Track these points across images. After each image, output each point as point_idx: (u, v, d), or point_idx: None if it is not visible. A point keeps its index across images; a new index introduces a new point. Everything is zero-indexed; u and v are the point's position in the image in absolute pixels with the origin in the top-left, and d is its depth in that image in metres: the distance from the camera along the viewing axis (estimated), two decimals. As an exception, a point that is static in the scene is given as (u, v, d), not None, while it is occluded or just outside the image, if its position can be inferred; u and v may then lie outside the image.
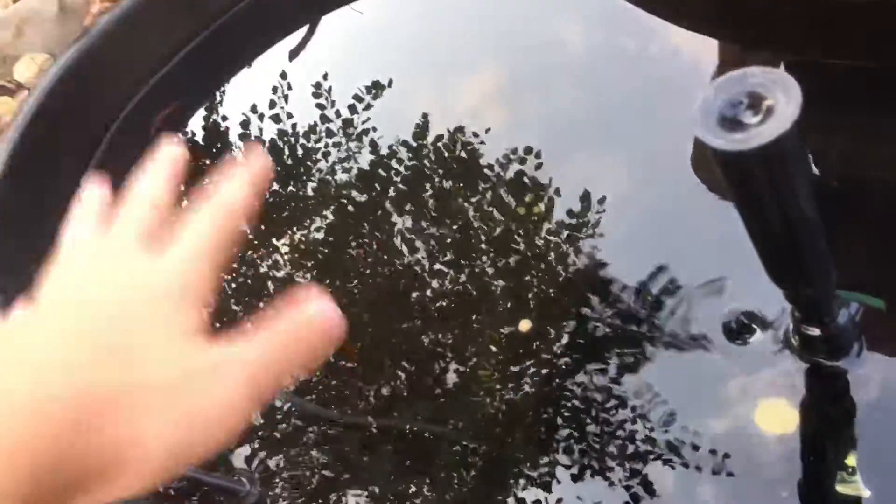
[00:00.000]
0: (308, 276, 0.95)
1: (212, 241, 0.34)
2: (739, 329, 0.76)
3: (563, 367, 0.81)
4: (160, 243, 0.34)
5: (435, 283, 0.90)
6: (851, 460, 0.68)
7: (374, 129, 1.03)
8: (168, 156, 0.39)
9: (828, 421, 0.73)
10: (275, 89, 1.12)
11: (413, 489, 0.81)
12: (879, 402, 0.71)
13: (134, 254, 0.33)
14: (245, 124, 1.10)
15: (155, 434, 0.27)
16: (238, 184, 0.35)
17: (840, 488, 0.68)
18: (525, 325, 0.84)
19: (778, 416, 0.72)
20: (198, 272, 0.33)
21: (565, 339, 0.82)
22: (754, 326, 0.76)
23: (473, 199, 0.94)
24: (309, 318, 0.33)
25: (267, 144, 1.06)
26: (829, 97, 0.83)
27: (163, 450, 0.27)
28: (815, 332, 0.68)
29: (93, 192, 0.38)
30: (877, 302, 0.71)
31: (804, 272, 0.57)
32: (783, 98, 0.40)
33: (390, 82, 1.06)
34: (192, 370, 0.29)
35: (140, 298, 0.31)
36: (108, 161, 1.04)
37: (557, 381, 0.80)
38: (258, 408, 0.31)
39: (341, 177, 1.01)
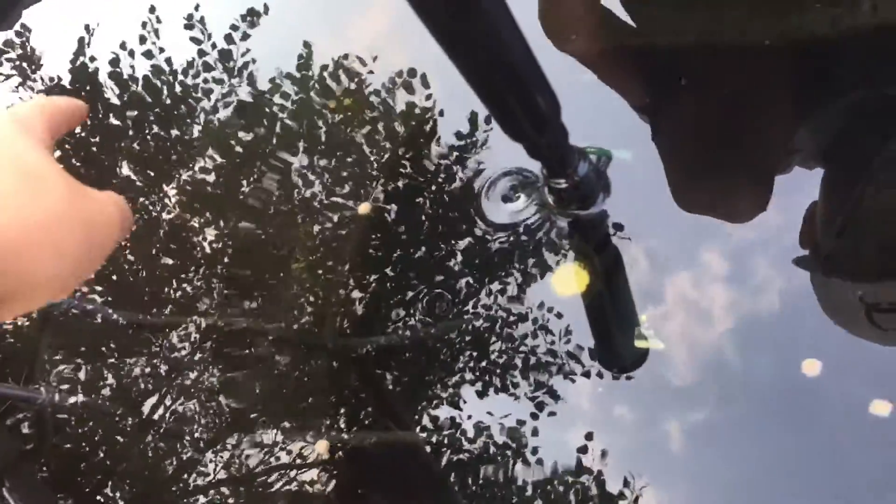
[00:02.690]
0: (198, 217, 0.92)
1: (33, 101, 0.37)
2: (509, 199, 0.81)
3: (464, 286, 0.83)
4: None
5: (329, 214, 0.89)
6: (644, 317, 0.74)
7: (254, 62, 0.99)
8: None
9: (603, 270, 0.78)
10: (144, 24, 1.06)
11: (318, 411, 0.83)
12: (639, 244, 0.77)
13: None
14: (115, 62, 1.04)
15: (46, 271, 0.31)
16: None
17: (638, 344, 0.74)
18: (364, 207, 0.86)
19: (569, 278, 0.78)
20: (28, 110, 0.35)
21: (460, 258, 0.83)
22: (518, 194, 0.81)
23: (362, 129, 0.93)
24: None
25: (140, 83, 1.01)
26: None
27: (51, 281, 0.32)
28: (562, 184, 0.73)
29: None
30: (616, 153, 0.77)
31: (530, 118, 0.59)
32: None
33: (266, 9, 1.02)
34: (73, 210, 0.33)
35: None
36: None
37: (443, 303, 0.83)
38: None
39: (224, 114, 0.97)
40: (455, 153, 0.88)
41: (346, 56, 0.96)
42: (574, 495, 0.74)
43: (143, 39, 1.05)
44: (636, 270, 0.77)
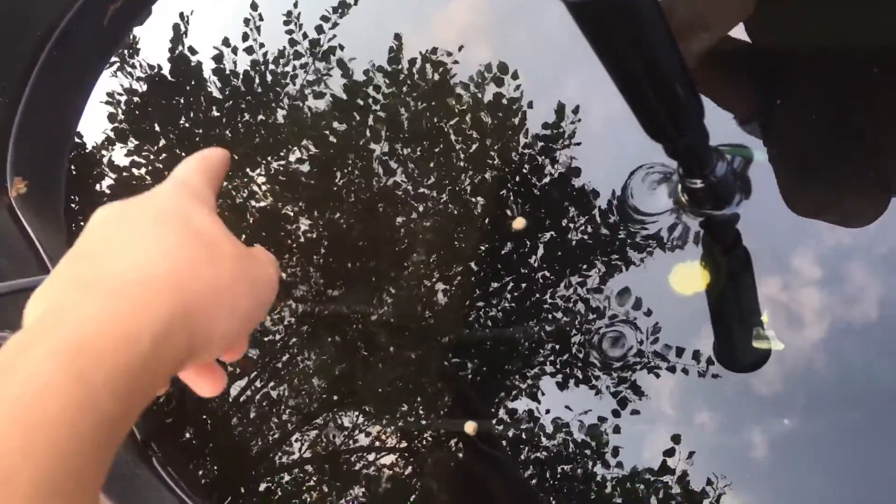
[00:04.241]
0: (289, 204, 0.95)
1: (191, 162, 0.42)
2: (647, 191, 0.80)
3: (542, 278, 0.83)
4: None
5: (418, 205, 0.90)
6: (765, 317, 0.72)
7: (342, 48, 1.01)
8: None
9: (730, 271, 0.77)
10: (247, 21, 1.09)
11: (399, 397, 0.84)
12: (766, 245, 0.75)
13: (139, 198, 0.39)
14: (219, 58, 1.07)
15: (223, 328, 0.36)
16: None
17: (756, 344, 0.72)
18: (519, 222, 0.85)
19: (689, 277, 0.76)
20: (193, 175, 0.40)
21: (541, 251, 0.83)
22: (655, 188, 0.80)
23: (451, 121, 0.93)
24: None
25: (241, 76, 1.04)
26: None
27: (226, 336, 0.36)
28: (698, 184, 0.71)
29: None
30: (756, 154, 0.75)
31: (673, 119, 0.59)
32: None
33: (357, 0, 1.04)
34: (243, 272, 0.37)
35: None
36: (63, 49, 1.03)
37: (537, 294, 0.82)
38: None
39: (316, 104, 0.99)
40: (541, 143, 0.88)
41: (434, 49, 0.97)
42: (655, 494, 0.73)
43: (245, 37, 1.07)
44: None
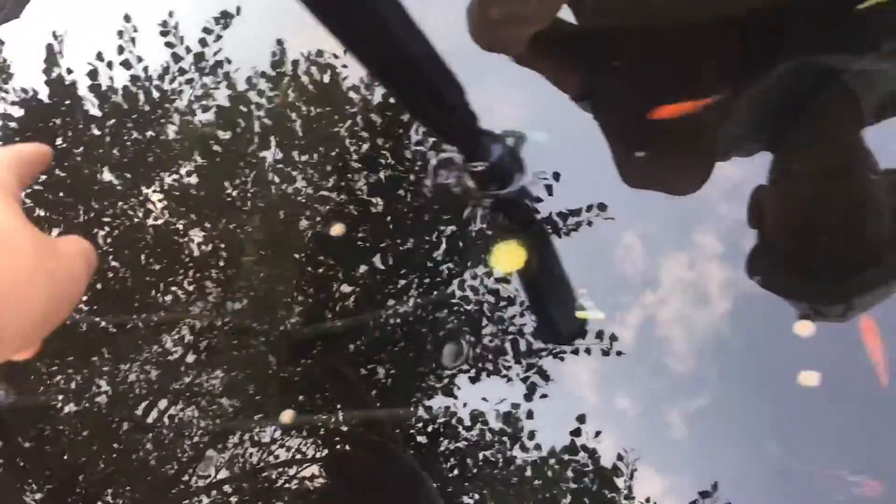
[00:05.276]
0: (183, 219, 0.93)
1: (6, 156, 0.38)
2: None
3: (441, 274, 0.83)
4: None
5: (318, 208, 0.89)
6: (583, 289, 0.76)
7: (229, 62, 0.99)
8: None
9: (531, 246, 0.80)
10: (120, 33, 1.05)
11: (312, 405, 0.83)
12: (559, 216, 0.79)
13: None
14: (93, 73, 1.04)
15: (13, 329, 0.33)
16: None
17: (580, 315, 0.75)
18: (338, 229, 0.86)
19: (507, 256, 0.80)
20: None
21: (443, 246, 0.84)
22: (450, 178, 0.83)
23: (340, 122, 0.93)
24: None
25: (120, 92, 1.01)
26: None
27: (16, 337, 0.33)
28: (479, 166, 0.76)
29: None
30: (532, 134, 0.79)
31: (435, 101, 0.62)
32: None
33: (238, 10, 1.02)
34: (40, 268, 0.34)
35: None
36: None
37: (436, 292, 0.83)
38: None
39: (202, 116, 0.97)
40: (430, 139, 0.88)
41: (319, 52, 0.96)
42: (572, 472, 0.75)
43: (120, 50, 1.04)
44: (624, 252, 0.78)
